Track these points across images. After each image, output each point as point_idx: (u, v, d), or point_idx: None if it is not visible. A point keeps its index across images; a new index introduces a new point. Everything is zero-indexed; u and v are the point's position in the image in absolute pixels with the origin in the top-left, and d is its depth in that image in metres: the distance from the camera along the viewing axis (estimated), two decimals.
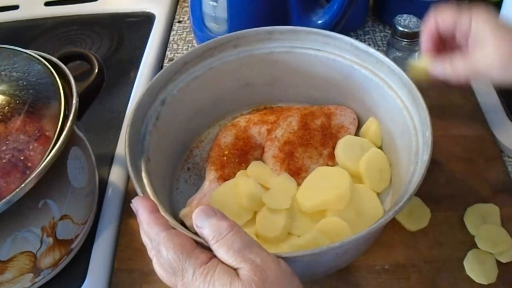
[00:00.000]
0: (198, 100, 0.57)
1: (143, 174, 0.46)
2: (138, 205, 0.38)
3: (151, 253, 0.36)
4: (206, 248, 0.35)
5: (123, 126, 0.65)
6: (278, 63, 0.58)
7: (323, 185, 0.49)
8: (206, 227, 0.35)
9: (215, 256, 0.34)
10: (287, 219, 0.48)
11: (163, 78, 0.53)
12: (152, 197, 0.43)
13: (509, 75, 0.43)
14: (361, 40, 0.57)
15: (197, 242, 0.36)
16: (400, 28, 0.61)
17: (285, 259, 0.35)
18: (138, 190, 0.42)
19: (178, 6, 0.92)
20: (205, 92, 0.57)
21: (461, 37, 0.47)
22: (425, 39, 0.49)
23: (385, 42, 0.79)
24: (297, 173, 0.53)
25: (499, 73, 0.44)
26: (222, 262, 0.34)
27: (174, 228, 0.37)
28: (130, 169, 0.44)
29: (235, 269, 0.33)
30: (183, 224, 0.49)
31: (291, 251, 0.42)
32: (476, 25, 0.45)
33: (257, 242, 0.35)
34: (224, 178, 0.53)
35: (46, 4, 0.91)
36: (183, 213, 0.51)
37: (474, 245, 0.51)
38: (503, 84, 0.45)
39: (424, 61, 0.49)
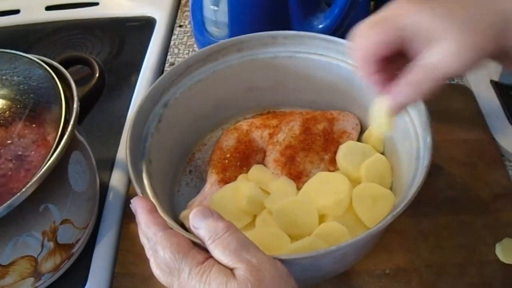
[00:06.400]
0: (201, 104, 0.57)
1: (144, 176, 0.46)
2: (136, 205, 0.38)
3: (149, 253, 0.36)
4: (203, 249, 0.35)
5: (124, 130, 0.65)
6: (281, 67, 0.58)
7: (323, 190, 0.49)
8: (202, 227, 0.35)
9: (211, 257, 0.34)
10: None
11: (166, 80, 0.53)
12: (152, 198, 0.43)
13: (478, 62, 0.33)
14: None
15: (194, 243, 0.36)
16: None
17: (283, 261, 0.35)
18: (138, 190, 0.42)
19: (179, 11, 0.92)
20: (208, 95, 0.57)
21: (406, 45, 0.35)
22: (369, 72, 0.38)
23: None
24: (298, 178, 0.53)
25: (468, 64, 0.33)
26: (219, 262, 0.34)
27: (172, 229, 0.37)
28: (130, 170, 0.44)
29: (231, 269, 0.33)
30: (183, 226, 0.49)
31: (289, 254, 0.42)
32: (417, 19, 0.34)
33: (253, 243, 0.35)
34: (225, 181, 0.53)
35: (47, 8, 0.91)
36: (183, 215, 0.50)
37: (475, 249, 0.51)
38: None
39: (383, 103, 0.38)
